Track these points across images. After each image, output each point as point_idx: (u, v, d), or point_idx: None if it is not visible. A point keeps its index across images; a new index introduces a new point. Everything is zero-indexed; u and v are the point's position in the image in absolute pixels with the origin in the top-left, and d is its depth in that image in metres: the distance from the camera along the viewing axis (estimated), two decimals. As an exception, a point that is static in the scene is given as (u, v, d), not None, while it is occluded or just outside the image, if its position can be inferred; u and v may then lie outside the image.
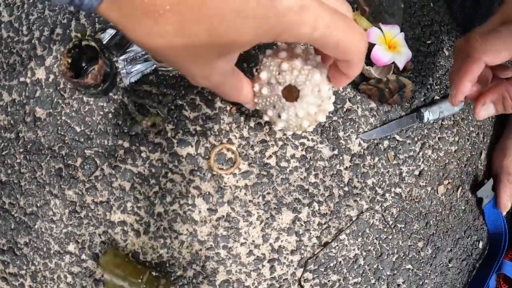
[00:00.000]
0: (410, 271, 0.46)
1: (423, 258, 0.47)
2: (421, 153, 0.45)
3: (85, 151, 0.35)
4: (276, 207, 0.37)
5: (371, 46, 0.35)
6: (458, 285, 0.53)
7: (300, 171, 0.37)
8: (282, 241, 0.37)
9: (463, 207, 0.51)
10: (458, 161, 0.50)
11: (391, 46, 0.36)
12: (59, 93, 0.36)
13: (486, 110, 0.33)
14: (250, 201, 0.36)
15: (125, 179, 0.35)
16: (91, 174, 0.35)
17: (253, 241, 0.36)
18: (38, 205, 0.35)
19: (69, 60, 0.32)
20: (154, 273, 0.33)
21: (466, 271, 0.53)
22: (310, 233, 0.38)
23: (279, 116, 0.26)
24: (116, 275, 0.32)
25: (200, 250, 0.36)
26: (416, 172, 0.45)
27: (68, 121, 0.35)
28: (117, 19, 0.17)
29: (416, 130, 0.45)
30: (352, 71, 0.22)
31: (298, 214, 0.37)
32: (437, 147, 0.47)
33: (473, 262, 0.54)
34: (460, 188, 0.50)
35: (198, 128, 0.36)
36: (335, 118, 0.39)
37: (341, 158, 0.39)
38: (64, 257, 0.35)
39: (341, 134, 0.39)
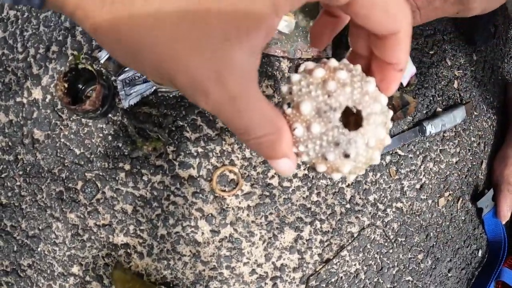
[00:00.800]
0: (410, 282, 0.46)
1: (423, 269, 0.47)
2: (422, 167, 0.45)
3: (86, 174, 0.35)
4: (279, 226, 0.37)
5: None
6: (457, 293, 0.54)
7: (302, 190, 0.37)
8: (284, 259, 0.37)
9: (463, 218, 0.51)
10: (459, 172, 0.50)
11: None
12: (57, 114, 0.35)
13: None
14: (252, 221, 0.36)
15: (127, 202, 0.35)
16: (92, 197, 0.35)
17: (256, 260, 0.37)
18: (40, 228, 0.35)
19: (66, 85, 0.31)
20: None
21: (465, 280, 0.54)
22: (312, 251, 0.38)
23: (346, 156, 0.17)
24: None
25: (204, 270, 0.36)
26: (418, 186, 0.45)
27: (67, 143, 0.35)
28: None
29: (418, 144, 0.45)
30: (401, 53, 0.16)
31: (300, 233, 0.37)
32: (438, 159, 0.47)
33: (472, 270, 0.55)
34: (461, 199, 0.50)
35: (200, 150, 0.35)
36: (337, 136, 0.39)
37: (343, 176, 0.39)
38: (68, 279, 0.35)
39: (343, 152, 0.39)
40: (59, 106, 0.35)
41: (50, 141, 0.35)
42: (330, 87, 0.17)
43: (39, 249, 0.35)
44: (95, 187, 0.35)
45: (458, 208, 0.50)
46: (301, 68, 0.18)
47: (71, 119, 0.35)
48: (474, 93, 0.53)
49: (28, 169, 0.35)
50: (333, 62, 0.18)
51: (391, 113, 0.19)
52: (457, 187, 0.50)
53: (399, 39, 0.15)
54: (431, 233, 0.47)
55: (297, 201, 0.37)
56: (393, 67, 0.16)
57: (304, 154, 0.18)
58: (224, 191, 0.35)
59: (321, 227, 0.38)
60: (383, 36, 0.15)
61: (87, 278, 0.35)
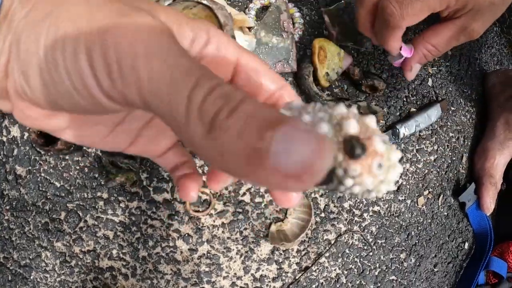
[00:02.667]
0: (394, 281, 0.47)
1: (406, 268, 0.48)
2: (398, 169, 0.45)
3: (67, 204, 0.36)
4: (254, 240, 0.38)
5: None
6: (446, 287, 0.54)
7: (275, 204, 0.38)
8: (263, 270, 0.38)
9: (445, 213, 0.51)
10: (438, 169, 0.50)
11: None
12: (36, 150, 0.37)
13: (415, 71, 0.36)
14: (228, 237, 0.37)
15: (108, 228, 0.36)
16: (75, 226, 0.36)
17: (235, 273, 0.38)
18: (31, 257, 0.37)
19: (39, 124, 0.32)
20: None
21: (453, 273, 0.54)
22: (290, 260, 0.39)
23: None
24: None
25: (186, 286, 0.37)
26: (395, 188, 0.45)
27: (48, 177, 0.36)
28: None
29: (392, 146, 0.45)
30: None
31: (276, 245, 0.38)
32: (415, 159, 0.47)
33: (459, 263, 0.55)
34: (441, 195, 0.50)
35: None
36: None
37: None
38: (60, 303, 0.37)
39: (313, 163, 0.40)
40: (37, 142, 0.37)
41: (32, 176, 0.37)
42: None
43: (31, 277, 0.37)
44: (77, 217, 0.36)
45: (440, 204, 0.50)
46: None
47: (49, 154, 0.36)
48: (450, 89, 0.52)
49: (14, 203, 0.37)
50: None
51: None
52: (437, 184, 0.50)
53: None
54: (412, 232, 0.48)
55: (270, 214, 0.38)
56: None
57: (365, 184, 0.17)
58: (198, 211, 0.36)
59: (300, 238, 0.39)
60: None
61: (78, 300, 0.37)
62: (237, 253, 0.37)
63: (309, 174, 0.08)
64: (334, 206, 0.41)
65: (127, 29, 0.10)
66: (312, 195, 0.40)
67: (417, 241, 0.48)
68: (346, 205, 0.41)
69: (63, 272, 0.37)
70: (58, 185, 0.36)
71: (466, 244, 0.55)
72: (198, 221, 0.36)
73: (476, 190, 0.53)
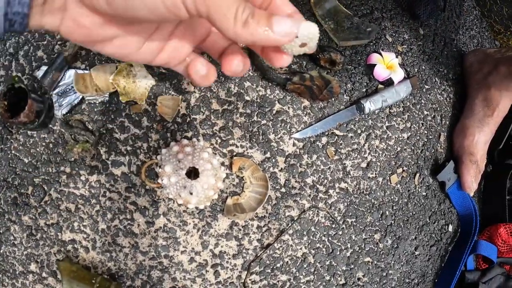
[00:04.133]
0: (370, 263, 0.42)
1: (382, 249, 0.43)
2: (366, 145, 0.42)
3: (34, 179, 0.36)
4: (211, 214, 0.35)
5: (372, 66, 0.41)
6: (430, 271, 0.48)
7: (231, 178, 0.36)
8: (222, 246, 0.36)
9: (424, 193, 0.46)
10: (413, 147, 0.45)
11: (389, 67, 0.42)
12: (8, 130, 0.37)
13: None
14: (184, 211, 0.35)
15: (70, 201, 0.35)
16: (41, 200, 0.36)
17: (193, 248, 0.35)
18: (1, 231, 0.36)
19: (6, 103, 0.33)
20: (106, 276, 0.34)
21: (437, 256, 0.49)
22: (250, 237, 0.36)
23: (191, 193, 0.30)
24: (73, 279, 0.33)
25: (144, 260, 0.35)
26: (363, 165, 0.41)
27: (17, 154, 0.36)
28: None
29: (359, 122, 0.42)
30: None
31: (230, 217, 0.36)
32: (385, 136, 0.43)
33: (444, 246, 0.49)
34: (418, 174, 0.46)
35: (129, 148, 0.35)
36: (263, 121, 0.37)
37: (274, 160, 0.37)
38: (28, 276, 0.36)
39: (271, 136, 0.37)
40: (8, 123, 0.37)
41: (3, 154, 0.37)
42: (180, 157, 0.30)
43: (1, 251, 0.36)
44: (42, 190, 0.36)
45: (416, 184, 0.45)
46: (167, 147, 0.32)
47: (19, 132, 0.37)
48: (423, 67, 0.49)
49: (-13, 180, 0.37)
50: (184, 142, 0.32)
51: (222, 169, 0.33)
52: (412, 163, 0.45)
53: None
54: (387, 212, 0.43)
55: (227, 188, 0.36)
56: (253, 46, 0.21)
57: (168, 194, 0.31)
58: (153, 183, 0.34)
59: (256, 212, 0.36)
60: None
61: (44, 274, 0.36)
62: (193, 227, 0.35)
63: (293, 29, 0.16)
64: (296, 181, 0.38)
65: None
66: (271, 169, 0.37)
67: (392, 222, 0.44)
68: (309, 180, 0.38)
69: (29, 245, 0.36)
70: (26, 161, 0.36)
71: (450, 227, 0.49)
72: (154, 193, 0.35)
73: (456, 169, 0.48)
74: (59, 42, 0.37)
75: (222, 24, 0.15)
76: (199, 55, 0.21)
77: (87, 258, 0.35)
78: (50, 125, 0.36)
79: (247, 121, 0.36)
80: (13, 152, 0.36)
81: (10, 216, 0.36)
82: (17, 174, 0.36)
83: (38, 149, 0.36)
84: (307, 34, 0.16)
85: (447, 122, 0.49)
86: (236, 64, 0.19)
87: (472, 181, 0.46)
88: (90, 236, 0.35)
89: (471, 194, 0.48)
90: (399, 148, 0.44)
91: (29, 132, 0.36)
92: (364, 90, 0.42)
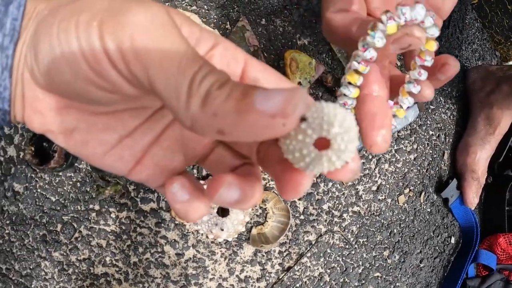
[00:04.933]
0: (379, 278, 0.51)
1: (390, 264, 0.52)
2: (377, 169, 0.50)
3: (63, 217, 0.42)
4: (237, 243, 0.42)
5: None
6: (434, 282, 0.58)
7: (255, 209, 0.43)
8: (247, 271, 0.43)
9: (428, 210, 0.55)
10: (419, 167, 0.54)
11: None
12: (31, 168, 0.42)
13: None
14: (212, 242, 0.42)
15: (101, 238, 0.41)
16: (71, 236, 0.41)
17: (221, 275, 0.42)
18: (31, 267, 0.42)
19: (33, 148, 0.38)
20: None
21: (440, 267, 0.58)
22: (272, 261, 0.44)
23: (222, 230, 0.37)
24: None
25: (175, 289, 0.42)
26: (374, 188, 0.49)
27: (43, 193, 0.42)
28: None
29: (370, 148, 0.49)
30: None
31: (257, 247, 0.43)
32: (394, 159, 0.51)
33: (447, 257, 0.59)
34: (423, 192, 0.54)
35: (157, 185, 0.41)
36: (283, 155, 0.44)
37: (293, 191, 0.44)
38: (61, 308, 0.42)
39: (291, 168, 0.44)
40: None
41: (29, 192, 0.42)
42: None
43: (32, 285, 0.42)
44: (72, 228, 0.41)
45: (422, 201, 0.54)
46: None
47: (44, 172, 0.42)
48: (429, 88, 0.56)
49: (13, 218, 0.42)
50: None
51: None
52: (418, 182, 0.54)
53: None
54: (395, 230, 0.52)
55: (251, 219, 0.43)
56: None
57: (199, 230, 0.38)
58: (183, 219, 0.41)
59: (279, 240, 0.43)
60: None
61: (77, 305, 0.42)
62: (221, 256, 0.42)
63: (292, 105, 0.10)
64: (313, 209, 0.45)
65: (143, 13, 0.12)
66: (291, 200, 0.44)
67: (400, 238, 0.52)
68: (325, 206, 0.46)
69: (61, 279, 0.42)
70: (54, 199, 0.42)
71: (453, 239, 0.59)
72: (183, 227, 0.41)
73: (458, 185, 0.57)
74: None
75: (170, 102, 0.12)
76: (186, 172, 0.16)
77: (119, 289, 0.42)
78: (76, 164, 0.41)
79: (268, 155, 0.43)
80: (39, 191, 0.42)
81: (40, 253, 0.42)
82: (45, 212, 0.42)
83: (65, 188, 0.41)
84: (330, 120, 0.11)
85: (451, 140, 0.58)
86: (223, 191, 0.13)
87: (474, 197, 0.55)
88: (122, 269, 0.41)
89: (473, 208, 0.57)
90: (406, 169, 0.52)
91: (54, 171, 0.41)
92: (374, 116, 0.50)
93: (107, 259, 0.42)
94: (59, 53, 0.13)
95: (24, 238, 0.42)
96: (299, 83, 0.43)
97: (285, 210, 0.42)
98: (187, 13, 0.43)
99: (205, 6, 0.44)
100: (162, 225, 0.41)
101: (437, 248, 0.57)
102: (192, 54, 0.12)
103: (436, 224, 0.57)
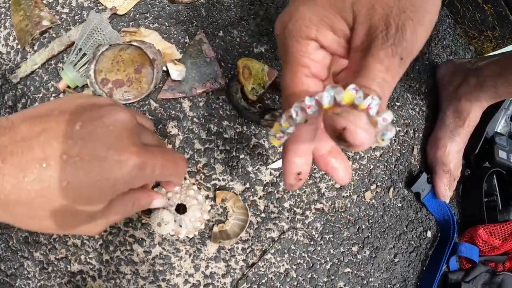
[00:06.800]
0: (350, 273, 0.52)
1: (361, 260, 0.53)
2: (340, 166, 0.51)
3: (42, 220, 0.45)
4: (200, 241, 0.45)
5: None
6: (411, 276, 0.58)
7: (216, 208, 0.45)
8: (212, 268, 0.45)
9: (399, 205, 0.56)
10: (386, 163, 0.54)
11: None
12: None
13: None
14: (176, 240, 0.44)
15: (76, 237, 0.45)
16: (50, 237, 0.45)
17: (186, 271, 0.45)
18: (15, 267, 0.46)
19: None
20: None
21: (417, 262, 0.58)
22: (236, 258, 0.46)
23: (181, 226, 0.40)
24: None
25: (144, 284, 0.45)
26: (337, 185, 0.51)
27: (25, 198, 0.46)
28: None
29: (332, 146, 0.51)
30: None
31: (216, 243, 0.45)
32: (357, 157, 0.52)
33: (424, 251, 0.59)
34: (392, 188, 0.55)
35: (124, 188, 0.44)
36: (242, 156, 0.46)
37: (253, 190, 0.46)
38: (43, 304, 0.46)
39: (250, 169, 0.46)
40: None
41: (12, 198, 0.46)
42: (169, 195, 0.40)
43: (17, 284, 0.46)
44: (50, 230, 0.45)
45: (391, 197, 0.55)
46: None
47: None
48: (394, 85, 0.57)
49: None
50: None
51: (207, 202, 0.43)
52: (386, 178, 0.54)
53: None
54: (363, 226, 0.53)
55: (213, 217, 0.45)
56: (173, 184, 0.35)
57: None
58: (148, 217, 0.44)
59: (240, 237, 0.46)
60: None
61: (57, 301, 0.46)
62: (186, 253, 0.45)
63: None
64: (274, 207, 0.47)
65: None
66: (251, 198, 0.46)
67: (369, 234, 0.53)
68: (286, 204, 0.48)
69: (42, 277, 0.46)
70: (33, 204, 0.46)
71: (429, 233, 0.59)
72: (149, 226, 0.44)
73: (430, 179, 0.57)
74: (53, 95, 0.46)
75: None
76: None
77: (94, 286, 0.45)
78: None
79: (227, 156, 0.45)
80: (21, 196, 0.46)
81: (23, 253, 0.46)
82: (27, 216, 0.46)
83: (43, 193, 0.45)
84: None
85: (420, 135, 0.58)
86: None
87: (446, 190, 0.55)
88: (96, 266, 0.45)
89: (447, 201, 0.57)
90: (372, 166, 0.53)
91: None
92: (335, 115, 0.51)
93: (82, 257, 0.45)
94: None
95: (9, 240, 0.46)
96: (253, 89, 0.45)
97: (244, 208, 0.44)
98: (148, 31, 0.46)
99: (166, 23, 0.47)
100: (130, 224, 0.44)
101: (412, 242, 0.57)
102: None
103: (409, 219, 0.57)
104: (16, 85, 0.47)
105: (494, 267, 0.62)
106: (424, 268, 0.59)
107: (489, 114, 0.60)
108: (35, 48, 0.47)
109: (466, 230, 0.61)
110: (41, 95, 0.46)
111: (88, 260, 0.45)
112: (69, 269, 0.45)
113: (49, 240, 0.45)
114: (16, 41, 0.47)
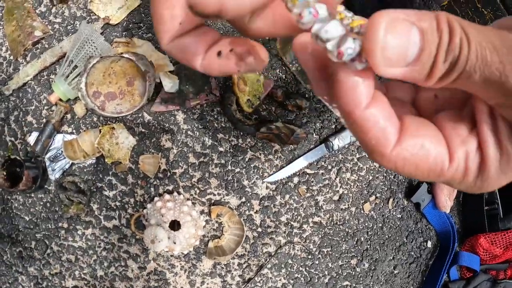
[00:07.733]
0: (349, 287, 0.51)
1: (360, 272, 0.52)
2: (337, 179, 0.50)
3: (36, 235, 0.45)
4: (195, 257, 0.44)
5: None
6: (411, 287, 0.57)
7: (211, 223, 0.44)
8: (207, 283, 0.45)
9: (399, 215, 0.55)
10: (385, 174, 0.53)
11: None
12: (7, 191, 0.45)
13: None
14: (171, 255, 0.44)
15: (70, 253, 0.44)
16: (44, 252, 0.45)
17: (182, 287, 0.44)
18: (10, 282, 0.46)
19: (4, 173, 0.41)
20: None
21: (417, 272, 0.57)
22: (232, 273, 0.45)
23: (175, 243, 0.40)
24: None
25: (140, 301, 0.44)
26: (335, 198, 0.50)
27: (18, 213, 0.45)
28: None
29: (329, 159, 0.49)
30: None
31: (211, 259, 0.44)
32: (356, 168, 0.51)
33: (424, 262, 0.58)
34: (391, 199, 0.54)
35: (118, 204, 0.44)
36: (237, 169, 0.45)
37: (249, 204, 0.45)
38: (38, 319, 0.46)
39: (245, 182, 0.45)
40: (9, 183, 0.46)
41: (6, 213, 0.46)
42: (163, 212, 0.40)
43: (13, 298, 0.46)
44: (44, 244, 0.45)
45: (390, 208, 0.54)
46: (152, 202, 0.41)
47: (18, 193, 0.45)
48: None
49: (-6, 237, 0.46)
50: (166, 197, 0.41)
51: (202, 218, 0.43)
52: (385, 189, 0.53)
53: None
54: (362, 238, 0.52)
55: (208, 233, 0.44)
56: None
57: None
58: (142, 233, 0.43)
59: (236, 252, 0.45)
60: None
61: (52, 316, 0.45)
62: (181, 269, 0.44)
63: None
64: (271, 221, 0.46)
65: None
66: (247, 212, 0.45)
67: (368, 246, 0.52)
68: (283, 218, 0.47)
69: (37, 292, 0.45)
70: (27, 218, 0.45)
71: (429, 243, 0.58)
72: (143, 242, 0.43)
73: (430, 189, 0.55)
74: (45, 107, 0.45)
75: None
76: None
77: (89, 301, 0.44)
78: (46, 186, 0.44)
79: (222, 170, 0.44)
80: (14, 211, 0.45)
81: (17, 268, 0.45)
82: (20, 230, 0.45)
83: (37, 208, 0.45)
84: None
85: (421, 145, 0.57)
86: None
87: (446, 200, 0.54)
88: (90, 282, 0.44)
89: (447, 211, 0.56)
90: (371, 177, 0.52)
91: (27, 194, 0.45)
92: (333, 127, 0.50)
93: (76, 273, 0.44)
94: None
95: (3, 255, 0.46)
96: (248, 100, 0.44)
97: (239, 223, 0.44)
98: (141, 41, 0.45)
99: (159, 31, 0.46)
100: (124, 240, 0.44)
101: (412, 253, 0.56)
102: None
103: (409, 230, 0.56)
104: (8, 97, 0.46)
105: (496, 275, 0.61)
106: (424, 279, 0.58)
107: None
108: (28, 59, 0.46)
109: (467, 239, 0.59)
110: (33, 107, 0.45)
111: (83, 275, 0.44)
112: (63, 284, 0.45)
113: (43, 255, 0.45)
114: (9, 52, 0.46)
